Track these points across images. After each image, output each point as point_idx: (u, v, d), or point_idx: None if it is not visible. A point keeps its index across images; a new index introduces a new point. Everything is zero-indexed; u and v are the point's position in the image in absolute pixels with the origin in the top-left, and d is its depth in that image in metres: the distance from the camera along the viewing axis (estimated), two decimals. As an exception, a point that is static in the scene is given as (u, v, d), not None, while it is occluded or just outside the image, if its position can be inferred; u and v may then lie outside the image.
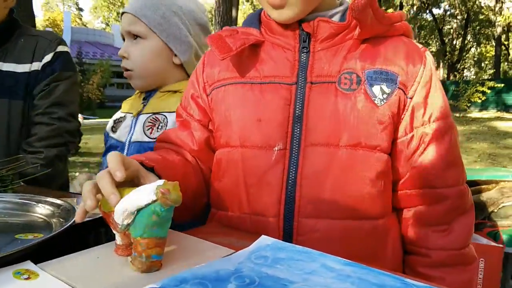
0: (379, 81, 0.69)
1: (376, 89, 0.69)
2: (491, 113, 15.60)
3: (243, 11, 36.08)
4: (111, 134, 1.12)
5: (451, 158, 0.72)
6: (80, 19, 53.89)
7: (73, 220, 0.60)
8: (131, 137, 1.05)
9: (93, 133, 11.95)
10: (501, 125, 11.26)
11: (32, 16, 8.37)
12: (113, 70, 23.70)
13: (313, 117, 0.69)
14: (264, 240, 0.58)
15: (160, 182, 0.49)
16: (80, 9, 56.47)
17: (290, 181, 0.68)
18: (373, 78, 0.69)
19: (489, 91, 14.77)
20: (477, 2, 23.00)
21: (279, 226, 0.69)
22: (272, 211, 0.69)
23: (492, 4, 21.40)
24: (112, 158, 0.54)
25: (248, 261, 0.50)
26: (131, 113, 1.10)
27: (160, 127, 1.02)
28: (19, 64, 1.30)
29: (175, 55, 1.08)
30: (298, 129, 0.69)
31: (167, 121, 1.02)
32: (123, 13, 1.07)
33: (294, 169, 0.68)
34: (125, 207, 0.49)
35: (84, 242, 0.60)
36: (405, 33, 0.76)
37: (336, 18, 0.73)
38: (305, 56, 0.72)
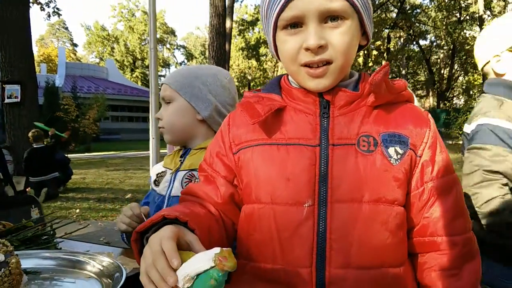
0: (393, 143, 0.79)
1: (391, 150, 0.78)
2: (482, 140, 15.83)
3: (236, 45, 36.80)
4: (154, 187, 1.26)
5: (458, 209, 0.81)
6: (75, 54, 54.54)
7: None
8: (170, 192, 1.19)
9: (90, 168, 11.90)
10: (493, 152, 11.43)
11: (31, 53, 8.57)
12: (107, 104, 23.91)
13: (337, 176, 0.77)
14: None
15: (217, 250, 0.57)
16: (75, 45, 57.33)
17: (320, 234, 0.76)
18: (388, 140, 0.79)
19: (478, 119, 15.06)
20: (462, 34, 23.82)
21: (312, 277, 0.75)
22: (305, 262, 0.76)
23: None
24: (168, 246, 0.62)
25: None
26: (170, 169, 1.23)
27: (196, 182, 1.12)
28: None
29: (198, 113, 1.24)
30: (324, 188, 0.77)
31: None
32: (162, 84, 1.31)
33: (323, 224, 0.76)
34: (186, 272, 0.56)
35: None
36: (409, 100, 0.87)
37: (350, 88, 0.83)
38: (325, 120, 0.81)
